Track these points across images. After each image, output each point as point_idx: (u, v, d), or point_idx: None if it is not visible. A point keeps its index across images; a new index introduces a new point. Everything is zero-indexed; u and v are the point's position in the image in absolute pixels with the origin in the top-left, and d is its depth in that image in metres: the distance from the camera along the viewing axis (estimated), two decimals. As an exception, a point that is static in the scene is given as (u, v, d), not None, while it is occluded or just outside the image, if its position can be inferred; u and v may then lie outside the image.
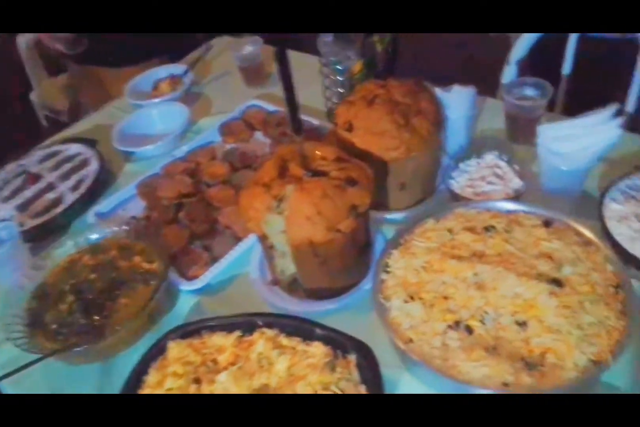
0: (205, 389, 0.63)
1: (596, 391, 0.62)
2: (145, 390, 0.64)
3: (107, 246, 0.86)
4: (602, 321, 0.60)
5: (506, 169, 0.85)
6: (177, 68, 1.32)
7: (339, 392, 0.59)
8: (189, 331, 0.71)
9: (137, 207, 0.98)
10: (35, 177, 1.07)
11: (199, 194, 0.95)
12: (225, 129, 1.11)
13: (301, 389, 0.60)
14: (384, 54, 1.11)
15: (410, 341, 0.64)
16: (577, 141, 0.77)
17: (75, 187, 1.03)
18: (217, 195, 0.94)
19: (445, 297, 0.66)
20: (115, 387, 0.67)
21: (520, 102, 0.92)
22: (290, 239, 0.71)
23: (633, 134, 0.95)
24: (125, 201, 1.00)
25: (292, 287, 0.79)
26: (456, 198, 0.84)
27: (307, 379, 0.61)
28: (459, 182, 0.86)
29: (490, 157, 0.88)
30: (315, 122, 1.08)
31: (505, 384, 0.58)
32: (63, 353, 0.72)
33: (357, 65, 1.07)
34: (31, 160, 1.12)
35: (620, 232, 0.72)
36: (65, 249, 0.86)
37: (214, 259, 0.84)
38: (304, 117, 1.09)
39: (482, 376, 0.58)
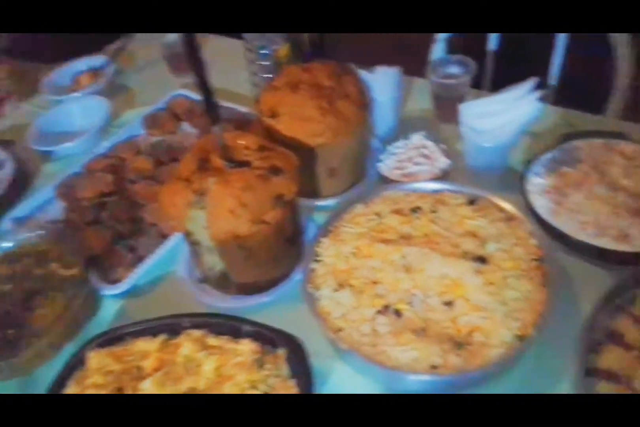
0: (130, 398, 0.59)
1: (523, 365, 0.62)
2: (66, 404, 0.61)
3: (22, 254, 0.80)
4: (525, 295, 0.61)
5: (433, 149, 0.85)
6: (97, 60, 1.25)
7: (268, 390, 0.57)
8: (110, 338, 0.67)
9: (57, 210, 0.92)
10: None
11: (122, 192, 0.91)
12: (150, 121, 1.05)
13: (228, 389, 0.58)
14: (310, 37, 1.09)
15: (340, 329, 0.63)
16: (497, 117, 0.77)
17: (-11, 193, 0.97)
18: (142, 191, 0.90)
19: (374, 282, 0.66)
20: (34, 403, 0.63)
21: (444, 80, 0.91)
22: (214, 234, 0.68)
23: (557, 107, 0.97)
24: (44, 204, 0.94)
25: (223, 283, 0.76)
26: (385, 181, 0.83)
27: (235, 378, 0.59)
28: (388, 165, 0.85)
29: (417, 138, 0.87)
30: (243, 109, 1.04)
31: (434, 367, 0.57)
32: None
33: (282, 49, 1.04)
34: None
35: (542, 205, 0.72)
36: (-22, 260, 0.80)
37: (140, 260, 0.80)
38: (231, 105, 1.06)
39: (411, 360, 0.58)
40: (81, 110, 1.12)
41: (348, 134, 0.81)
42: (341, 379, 0.65)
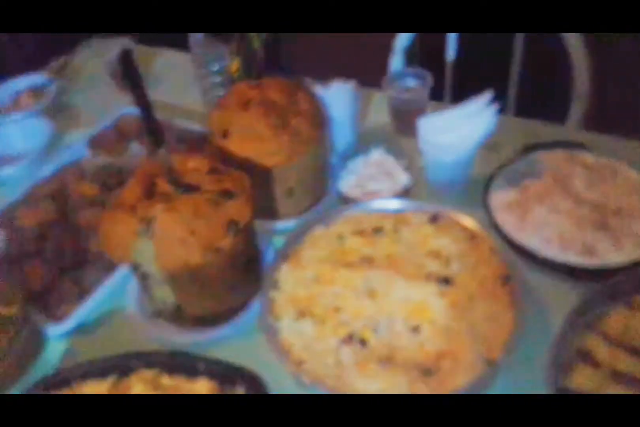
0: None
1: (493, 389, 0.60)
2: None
3: (-44, 292, 0.74)
4: (493, 316, 0.59)
5: (393, 165, 0.83)
6: (38, 78, 1.18)
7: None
8: (56, 381, 0.62)
9: (-3, 241, 0.86)
10: None
11: (66, 221, 0.85)
12: (95, 142, 1.00)
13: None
14: (264, 51, 1.06)
15: (303, 362, 0.59)
16: (455, 131, 0.75)
17: None
18: (87, 219, 0.84)
19: (337, 310, 0.62)
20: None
21: (400, 94, 0.90)
22: (164, 265, 0.64)
23: (517, 118, 0.97)
24: (-18, 235, 0.88)
25: (177, 317, 0.71)
26: (345, 200, 0.80)
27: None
28: (348, 183, 0.82)
29: (377, 153, 0.85)
30: (197, 128, 1.00)
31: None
32: None
33: (234, 64, 1.00)
34: None
35: (506, 221, 0.71)
36: None
37: (87, 294, 0.74)
38: (185, 123, 1.02)
39: (377, 391, 0.55)
40: (22, 132, 1.06)
41: (304, 152, 0.78)
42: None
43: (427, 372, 0.56)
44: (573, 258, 0.66)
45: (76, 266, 0.79)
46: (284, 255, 0.71)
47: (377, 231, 0.70)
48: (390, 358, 0.58)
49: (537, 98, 1.24)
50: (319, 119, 0.82)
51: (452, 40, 1.27)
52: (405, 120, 0.94)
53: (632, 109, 1.37)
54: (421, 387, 0.55)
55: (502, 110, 0.79)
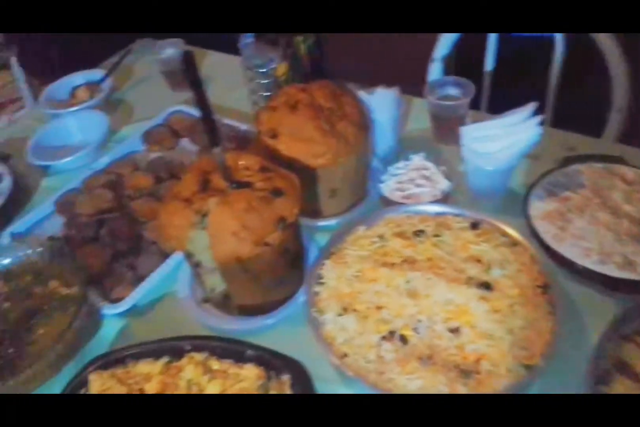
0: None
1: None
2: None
3: (21, 271, 0.79)
4: (532, 323, 0.61)
5: (434, 170, 0.85)
6: (94, 74, 1.24)
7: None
8: (111, 360, 0.66)
9: (56, 226, 0.91)
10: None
11: (121, 209, 0.90)
12: (149, 137, 1.05)
13: (232, 416, 0.57)
14: (309, 55, 1.09)
15: (345, 355, 0.62)
16: (499, 141, 0.77)
17: (-14, 208, 0.96)
18: (141, 208, 0.89)
19: (379, 307, 0.65)
20: None
21: (442, 101, 0.92)
22: (216, 256, 0.68)
23: (555, 129, 0.98)
24: (42, 220, 0.93)
25: (225, 304, 0.76)
26: (386, 202, 0.83)
27: (240, 404, 0.58)
28: (389, 186, 0.85)
29: (417, 159, 0.88)
30: (243, 127, 1.04)
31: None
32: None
33: (281, 68, 1.04)
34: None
35: (546, 231, 0.73)
36: (-25, 276, 0.79)
37: (140, 278, 0.79)
38: (231, 122, 1.06)
39: (417, 388, 0.58)
40: (79, 125, 1.12)
41: (349, 154, 0.81)
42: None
43: (465, 373, 0.58)
44: (612, 270, 0.67)
45: (130, 251, 0.84)
46: (327, 252, 0.74)
47: (418, 234, 0.73)
48: (430, 357, 0.60)
49: (575, 109, 1.25)
50: (364, 123, 0.85)
51: (491, 50, 1.29)
52: (445, 127, 0.96)
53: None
54: (460, 388, 0.57)
55: (541, 123, 0.80)
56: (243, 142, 1.00)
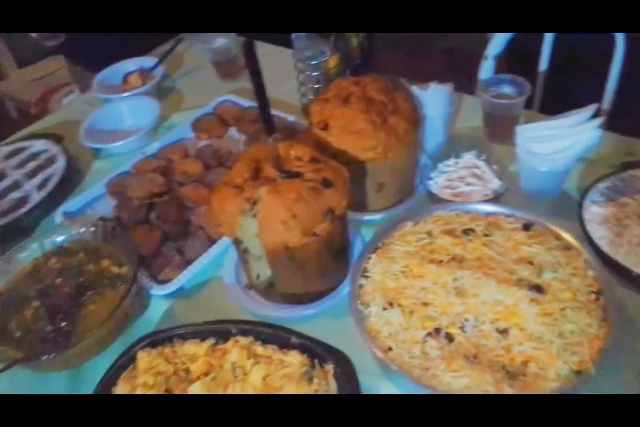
0: (177, 402, 0.60)
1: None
2: (114, 402, 0.61)
3: (74, 249, 0.82)
4: (584, 329, 0.60)
5: (485, 169, 0.84)
6: (147, 61, 1.27)
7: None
8: (159, 338, 0.68)
9: (107, 207, 0.94)
10: (-1, 176, 1.03)
11: (171, 194, 0.92)
12: (198, 125, 1.07)
13: (277, 401, 0.58)
14: (360, 49, 1.09)
15: (390, 349, 0.62)
16: (556, 142, 0.76)
17: (41, 186, 0.99)
18: (190, 194, 0.91)
19: (425, 304, 0.65)
20: (82, 397, 0.64)
21: (496, 99, 0.91)
22: (265, 244, 0.69)
23: (613, 133, 0.95)
24: (94, 200, 0.97)
25: (269, 291, 0.77)
26: (435, 199, 0.83)
27: (284, 390, 0.59)
28: (438, 183, 0.84)
29: (468, 157, 0.87)
30: (290, 118, 1.05)
31: (486, 395, 0.57)
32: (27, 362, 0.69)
33: (331, 60, 1.04)
34: (-6, 158, 1.07)
35: (601, 236, 0.71)
36: (29, 252, 0.82)
37: (187, 262, 0.81)
38: (278, 113, 1.07)
39: (463, 386, 0.57)
40: (131, 110, 1.14)
41: (398, 149, 0.81)
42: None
43: (512, 375, 0.58)
44: (669, 279, 0.65)
45: (178, 235, 0.85)
46: (373, 247, 0.74)
47: (467, 232, 0.72)
48: (476, 356, 0.60)
49: (631, 112, 1.21)
50: (415, 118, 0.84)
51: (547, 49, 1.26)
52: (498, 126, 0.94)
53: None
54: (506, 389, 0.57)
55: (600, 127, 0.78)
56: (290, 133, 1.01)
